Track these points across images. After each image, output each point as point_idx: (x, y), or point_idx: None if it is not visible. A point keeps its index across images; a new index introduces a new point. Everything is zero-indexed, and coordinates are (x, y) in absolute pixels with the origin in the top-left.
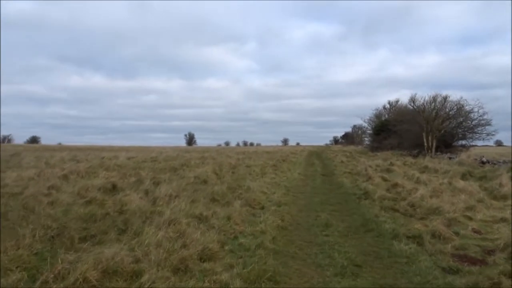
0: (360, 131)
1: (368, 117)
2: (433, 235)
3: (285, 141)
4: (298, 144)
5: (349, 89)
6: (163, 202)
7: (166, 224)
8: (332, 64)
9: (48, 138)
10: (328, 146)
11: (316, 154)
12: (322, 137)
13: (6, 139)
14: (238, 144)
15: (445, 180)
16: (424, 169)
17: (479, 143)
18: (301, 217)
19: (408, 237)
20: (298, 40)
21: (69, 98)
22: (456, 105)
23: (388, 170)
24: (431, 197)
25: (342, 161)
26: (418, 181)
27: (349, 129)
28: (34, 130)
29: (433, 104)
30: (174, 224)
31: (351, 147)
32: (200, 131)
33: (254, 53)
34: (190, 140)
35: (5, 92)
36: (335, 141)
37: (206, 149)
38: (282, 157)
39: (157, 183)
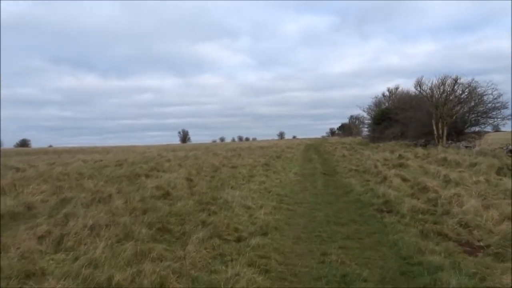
0: (357, 122)
1: (367, 106)
2: None
3: (281, 135)
4: (294, 137)
5: (345, 81)
6: (74, 241)
7: None
8: (327, 56)
9: (43, 141)
10: (325, 139)
11: (313, 148)
12: (319, 129)
13: None
14: (233, 140)
15: (481, 178)
16: (444, 162)
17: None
18: (299, 258)
19: None
20: (291, 33)
21: (63, 99)
22: (467, 87)
23: (401, 165)
24: (486, 208)
25: (343, 155)
26: (447, 180)
27: (345, 120)
28: (30, 133)
29: (442, 87)
30: None
31: (349, 139)
32: (196, 128)
33: (248, 48)
34: (184, 137)
35: None
36: (332, 133)
37: (196, 147)
38: (277, 152)
39: (90, 203)
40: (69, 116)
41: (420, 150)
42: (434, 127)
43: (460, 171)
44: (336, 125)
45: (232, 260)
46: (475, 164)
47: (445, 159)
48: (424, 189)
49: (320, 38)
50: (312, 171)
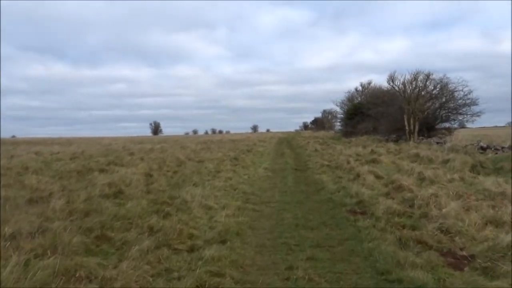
0: (330, 116)
1: (340, 101)
2: None
3: (254, 128)
4: (268, 130)
5: (320, 75)
6: None
7: None
8: (303, 50)
9: (9, 131)
10: (298, 132)
11: (286, 142)
12: (294, 123)
13: None
14: (206, 132)
15: (456, 175)
16: (416, 158)
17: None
18: (260, 274)
19: None
20: (268, 26)
21: (30, 88)
22: (439, 83)
23: (374, 161)
24: (466, 210)
25: (316, 150)
26: (421, 178)
27: (319, 115)
28: None
29: (415, 82)
30: None
31: (322, 133)
32: (169, 120)
33: (224, 40)
34: (156, 129)
35: None
36: (305, 127)
37: (166, 139)
38: (248, 146)
39: (25, 204)
40: (36, 105)
41: (392, 146)
42: (406, 123)
43: (433, 168)
44: (310, 119)
45: (179, 278)
46: (447, 161)
47: (417, 155)
48: (399, 188)
49: (297, 32)
50: (283, 166)
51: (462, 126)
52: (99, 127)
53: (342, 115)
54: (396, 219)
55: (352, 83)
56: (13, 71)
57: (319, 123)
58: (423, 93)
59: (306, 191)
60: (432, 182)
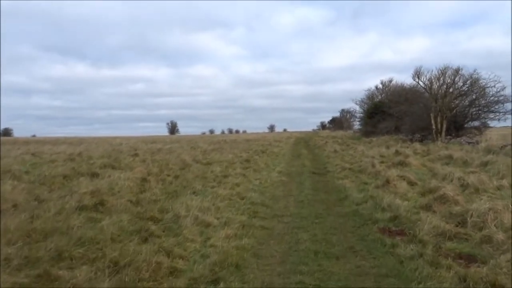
0: (348, 115)
1: (360, 99)
2: None
3: (271, 128)
4: (285, 130)
5: (338, 75)
6: None
7: None
8: (321, 50)
9: (31, 130)
10: (315, 132)
11: (303, 142)
12: (311, 123)
13: None
14: (223, 132)
15: (504, 182)
16: (449, 161)
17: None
18: None
19: None
20: (286, 25)
21: (53, 88)
22: (469, 79)
23: (402, 164)
24: None
25: (335, 150)
26: (463, 185)
27: (336, 114)
28: (17, 122)
29: (442, 78)
30: None
31: (340, 133)
32: (187, 120)
33: (242, 39)
34: (173, 128)
35: None
36: (323, 126)
37: (180, 139)
38: (263, 146)
39: None
40: (58, 105)
41: (418, 146)
42: (433, 121)
43: (472, 172)
44: (326, 118)
45: None
46: (486, 164)
47: (449, 156)
48: (442, 198)
49: (315, 31)
50: (299, 169)
51: (485, 125)
52: (118, 126)
53: (361, 114)
54: (448, 244)
55: (371, 83)
56: (36, 72)
57: (337, 123)
58: (451, 89)
59: (327, 200)
60: (477, 190)
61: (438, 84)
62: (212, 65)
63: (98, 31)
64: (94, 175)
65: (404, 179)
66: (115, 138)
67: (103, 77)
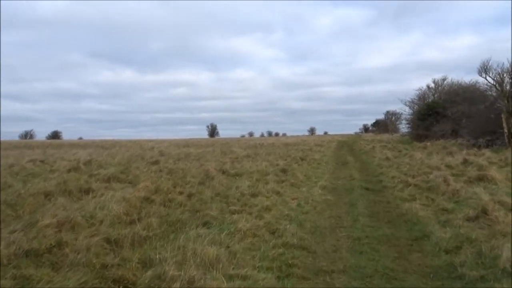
0: (394, 118)
1: (409, 100)
2: None
3: (311, 131)
4: (326, 133)
5: (379, 75)
6: None
7: None
8: (362, 50)
9: (81, 133)
10: (358, 135)
11: (347, 146)
12: (351, 125)
13: (28, 134)
14: (262, 135)
15: None
16: None
17: None
18: None
19: None
20: (325, 26)
21: (101, 93)
22: None
23: (482, 179)
24: None
25: (387, 157)
26: None
27: (378, 116)
28: (68, 125)
29: None
30: None
31: (386, 136)
32: (227, 123)
33: (281, 42)
34: (213, 131)
35: (41, 90)
36: (365, 129)
37: (215, 142)
38: (303, 151)
39: None
40: (106, 109)
41: (489, 153)
42: (504, 124)
43: None
44: (368, 121)
45: None
46: None
47: None
48: None
49: (355, 32)
50: (347, 183)
51: None
52: (161, 129)
53: (410, 116)
54: None
55: (415, 83)
56: (85, 78)
57: (382, 125)
58: None
59: (395, 239)
60: None
61: (511, 80)
62: (251, 69)
63: (142, 37)
64: (85, 192)
65: (503, 206)
66: (149, 141)
67: (147, 81)
